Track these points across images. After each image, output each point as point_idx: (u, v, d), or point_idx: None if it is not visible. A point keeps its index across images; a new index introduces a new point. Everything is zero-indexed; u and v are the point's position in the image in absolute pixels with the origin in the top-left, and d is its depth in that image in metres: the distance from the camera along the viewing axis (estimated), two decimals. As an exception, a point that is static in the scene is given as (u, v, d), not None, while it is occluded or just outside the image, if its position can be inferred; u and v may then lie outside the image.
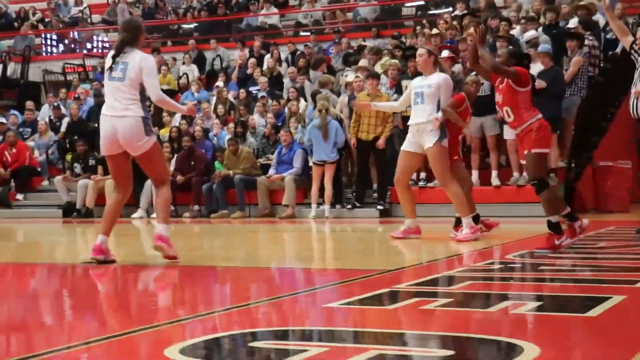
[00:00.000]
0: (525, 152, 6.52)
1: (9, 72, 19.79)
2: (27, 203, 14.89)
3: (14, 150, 15.13)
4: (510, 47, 9.37)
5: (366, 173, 12.51)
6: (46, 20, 22.09)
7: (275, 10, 18.95)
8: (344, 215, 12.27)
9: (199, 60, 18.23)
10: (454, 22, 14.21)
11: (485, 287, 4.95)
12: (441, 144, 7.73)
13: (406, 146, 7.98)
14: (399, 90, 11.88)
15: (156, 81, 6.32)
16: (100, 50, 20.96)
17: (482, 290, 4.75)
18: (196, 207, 13.36)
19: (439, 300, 4.24)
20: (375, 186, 12.45)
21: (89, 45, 21.61)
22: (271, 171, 13.14)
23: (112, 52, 6.31)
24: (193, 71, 17.61)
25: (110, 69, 6.23)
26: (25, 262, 7.42)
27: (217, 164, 13.69)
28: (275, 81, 15.97)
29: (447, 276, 5.40)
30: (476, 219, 7.96)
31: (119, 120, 6.15)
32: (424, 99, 7.83)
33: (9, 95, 18.96)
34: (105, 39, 21.62)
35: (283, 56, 17.15)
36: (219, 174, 13.23)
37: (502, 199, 11.40)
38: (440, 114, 7.71)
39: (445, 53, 9.53)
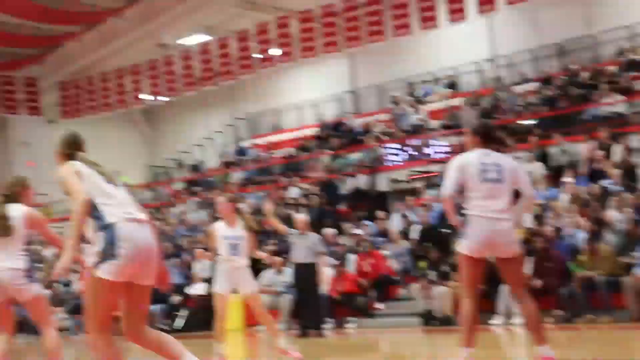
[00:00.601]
0: None
1: (359, 184, 20.79)
2: (387, 312, 15.25)
3: (371, 260, 15.71)
4: None
5: None
6: (388, 130, 23.00)
7: (621, 97, 18.12)
8: None
9: (543, 157, 17.83)
10: None
11: None
12: None
13: None
14: None
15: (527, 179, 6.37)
16: (442, 156, 21.30)
17: None
18: (558, 312, 12.79)
19: None
20: None
21: (430, 152, 22.08)
22: (637, 270, 12.30)
23: (477, 155, 6.31)
24: (537, 168, 17.24)
25: (483, 171, 6.23)
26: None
27: (573, 265, 13.13)
28: (629, 173, 15.13)
29: None
30: None
31: (498, 222, 6.12)
32: None
33: (361, 206, 19.83)
34: (445, 143, 21.98)
35: (635, 145, 16.27)
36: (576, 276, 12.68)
37: None
38: None
39: None
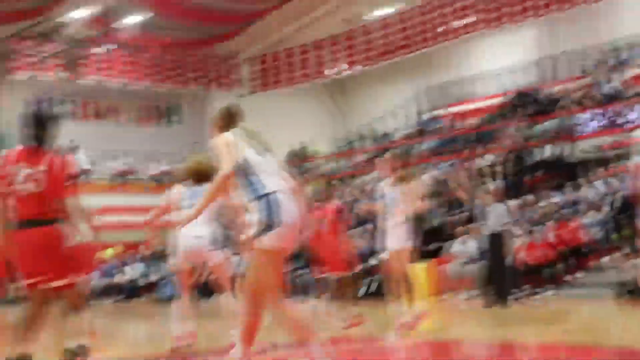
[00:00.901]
0: None
1: (551, 153, 20.07)
2: (582, 282, 14.73)
3: (566, 229, 15.23)
4: None
5: None
6: (585, 98, 21.94)
7: None
8: None
9: None
10: None
11: None
12: None
13: None
14: None
15: None
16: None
17: None
18: None
19: None
20: None
21: (628, 120, 20.88)
22: None
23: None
24: None
25: None
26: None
27: None
28: None
29: None
30: None
31: None
32: None
33: (554, 175, 19.10)
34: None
35: None
36: None
37: None
38: None
39: None
